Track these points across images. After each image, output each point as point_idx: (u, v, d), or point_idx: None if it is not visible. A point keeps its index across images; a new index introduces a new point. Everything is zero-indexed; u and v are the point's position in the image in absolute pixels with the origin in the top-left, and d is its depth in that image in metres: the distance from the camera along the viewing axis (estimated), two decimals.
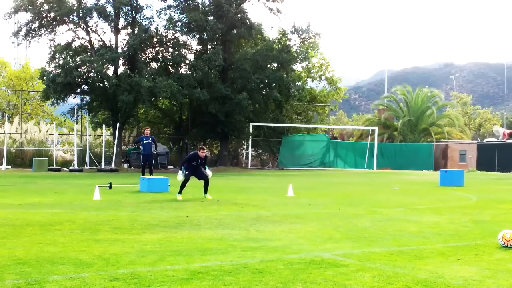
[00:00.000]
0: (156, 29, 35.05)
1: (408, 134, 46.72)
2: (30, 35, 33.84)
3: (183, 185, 14.10)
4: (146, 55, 35.75)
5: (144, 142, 21.04)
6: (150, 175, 20.04)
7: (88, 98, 35.06)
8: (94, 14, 33.48)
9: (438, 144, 44.30)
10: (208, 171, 14.48)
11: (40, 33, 33.94)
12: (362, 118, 61.03)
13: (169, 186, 16.71)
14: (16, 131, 35.88)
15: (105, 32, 35.82)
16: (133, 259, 6.26)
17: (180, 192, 14.00)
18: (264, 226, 9.27)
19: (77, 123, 35.30)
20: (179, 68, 35.64)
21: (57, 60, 33.08)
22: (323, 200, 14.31)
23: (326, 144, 41.45)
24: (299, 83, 43.43)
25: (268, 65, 37.22)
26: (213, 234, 8.24)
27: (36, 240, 7.45)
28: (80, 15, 33.10)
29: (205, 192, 14.23)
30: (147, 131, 22.00)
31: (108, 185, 17.05)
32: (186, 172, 14.12)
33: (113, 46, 33.76)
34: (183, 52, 35.49)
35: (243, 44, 39.72)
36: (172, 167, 35.41)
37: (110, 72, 32.84)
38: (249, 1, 37.93)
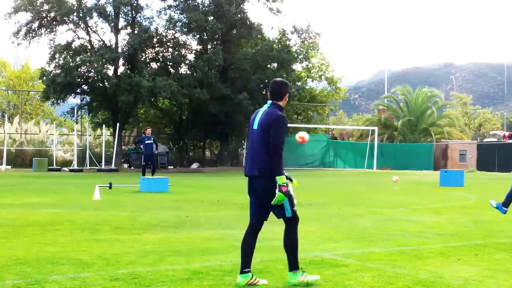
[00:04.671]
0: (156, 29, 35.09)
1: (408, 134, 46.71)
2: (30, 35, 33.86)
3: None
4: (146, 55, 35.76)
5: (146, 142, 20.97)
6: (152, 175, 20.03)
7: (88, 98, 35.08)
8: (94, 14, 33.51)
9: (438, 144, 44.30)
10: None
11: (40, 33, 33.97)
12: (362, 118, 61.04)
13: (169, 186, 16.71)
14: (16, 131, 35.89)
15: (105, 32, 35.93)
16: (133, 259, 6.26)
17: None
18: (264, 226, 9.26)
19: (77, 123, 35.30)
20: (179, 68, 35.65)
21: (57, 60, 33.09)
22: (323, 200, 14.31)
23: (326, 144, 41.44)
24: (299, 83, 43.44)
25: (268, 65, 37.22)
26: (213, 234, 8.24)
27: (36, 240, 7.45)
28: (80, 15, 33.11)
29: None
30: (149, 131, 21.94)
31: (108, 185, 17.05)
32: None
33: (113, 46, 33.77)
34: (183, 52, 35.50)
35: (243, 44, 39.72)
36: (172, 167, 35.41)
37: (110, 72, 32.86)
38: (249, 1, 38.03)
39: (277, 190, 4.93)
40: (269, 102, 5.20)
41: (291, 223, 5.15)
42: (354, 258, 6.43)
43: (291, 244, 5.13)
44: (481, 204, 13.73)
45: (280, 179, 4.92)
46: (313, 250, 6.99)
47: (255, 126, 5.12)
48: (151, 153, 21.05)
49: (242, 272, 5.07)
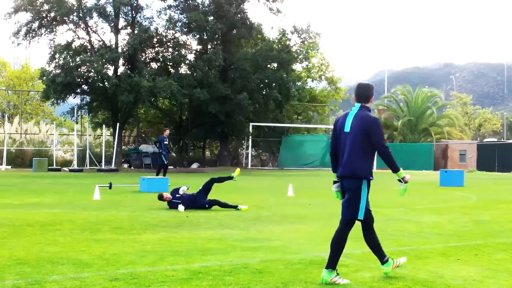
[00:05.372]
0: (156, 29, 35.09)
1: (408, 134, 46.70)
2: (30, 35, 33.85)
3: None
4: (146, 55, 35.75)
5: (165, 142, 21.26)
6: (164, 175, 20.20)
7: (88, 98, 35.07)
8: (94, 14, 33.50)
9: (438, 144, 44.29)
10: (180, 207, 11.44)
11: (40, 33, 33.96)
12: None
13: (169, 186, 16.71)
14: (16, 131, 35.88)
15: (105, 32, 35.89)
16: (133, 259, 6.27)
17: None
18: (264, 226, 9.27)
19: (77, 123, 35.30)
20: (179, 68, 35.65)
21: (57, 60, 33.09)
22: (323, 200, 14.31)
23: (326, 144, 41.41)
24: (299, 83, 43.43)
25: (268, 65, 37.22)
26: (213, 234, 8.24)
27: (36, 240, 7.45)
28: (80, 15, 33.10)
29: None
30: (167, 132, 22.29)
31: (108, 185, 17.05)
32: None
33: (113, 46, 33.76)
34: (183, 52, 35.49)
35: (243, 44, 39.72)
36: (172, 167, 35.41)
37: (110, 72, 32.84)
38: (249, 1, 37.96)
39: (403, 185, 5.33)
40: (358, 105, 5.44)
41: (351, 224, 5.37)
42: (354, 258, 6.44)
43: (338, 243, 5.32)
44: (481, 204, 13.73)
45: (399, 174, 5.31)
46: (313, 250, 6.99)
47: (347, 129, 5.31)
48: (168, 154, 21.40)
49: (382, 263, 5.42)
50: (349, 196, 5.31)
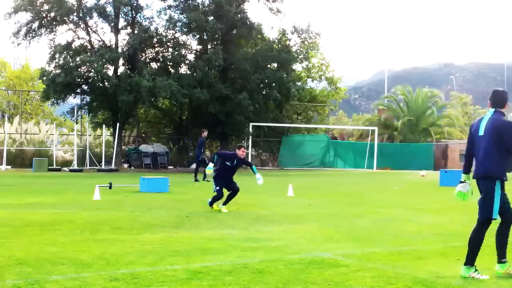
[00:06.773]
0: (156, 29, 35.04)
1: (408, 134, 46.69)
2: (30, 35, 33.82)
3: (217, 198, 11.61)
4: (146, 55, 35.74)
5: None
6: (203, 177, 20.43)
7: (88, 98, 35.05)
8: (94, 14, 33.47)
9: (438, 144, 44.28)
10: (259, 178, 11.80)
11: (40, 33, 33.93)
12: (362, 118, 60.98)
13: (169, 186, 16.72)
14: (16, 131, 35.88)
15: (105, 32, 35.81)
16: (133, 259, 6.27)
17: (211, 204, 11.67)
18: (264, 226, 9.27)
19: (77, 123, 35.28)
20: (179, 68, 35.62)
21: (57, 60, 33.05)
22: (323, 200, 14.31)
23: (326, 144, 41.42)
24: (299, 83, 43.39)
25: (268, 65, 37.20)
26: (213, 234, 8.24)
27: (36, 240, 7.46)
28: (80, 15, 33.10)
29: (225, 203, 11.58)
30: (206, 132, 22.42)
31: (108, 185, 17.05)
32: (217, 188, 11.52)
33: (113, 46, 33.75)
34: (183, 52, 35.46)
35: (243, 44, 39.68)
36: (172, 167, 35.42)
37: (110, 72, 32.83)
38: (249, 1, 37.90)
39: None
40: (492, 110, 5.76)
41: (487, 224, 5.71)
42: (354, 258, 6.44)
43: (475, 243, 5.65)
44: None
45: None
46: (313, 250, 6.99)
47: (481, 133, 5.69)
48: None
49: (498, 262, 5.65)
50: (483, 196, 5.69)
